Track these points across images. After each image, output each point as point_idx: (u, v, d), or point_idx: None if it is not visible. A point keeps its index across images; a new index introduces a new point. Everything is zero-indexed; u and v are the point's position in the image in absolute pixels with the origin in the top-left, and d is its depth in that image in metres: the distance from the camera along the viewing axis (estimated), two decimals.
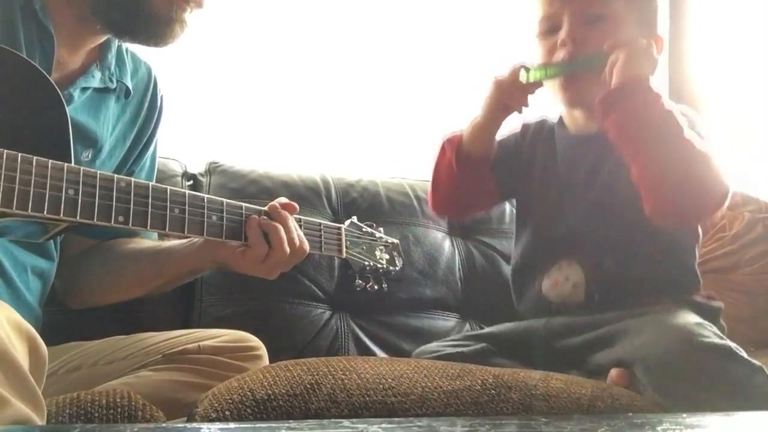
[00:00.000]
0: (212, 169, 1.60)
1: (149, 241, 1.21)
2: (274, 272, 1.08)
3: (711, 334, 1.01)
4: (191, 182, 1.57)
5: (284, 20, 1.91)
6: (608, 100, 1.12)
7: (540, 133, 1.36)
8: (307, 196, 1.56)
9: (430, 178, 1.37)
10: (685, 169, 1.08)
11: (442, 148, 1.33)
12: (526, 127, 1.39)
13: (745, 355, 0.98)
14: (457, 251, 1.68)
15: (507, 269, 1.67)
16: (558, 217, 1.26)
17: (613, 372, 1.07)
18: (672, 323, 1.05)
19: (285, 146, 1.86)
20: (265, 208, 1.09)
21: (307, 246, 1.10)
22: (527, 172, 1.34)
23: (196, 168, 1.61)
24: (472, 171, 1.29)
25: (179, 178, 1.54)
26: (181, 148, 1.56)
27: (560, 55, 1.21)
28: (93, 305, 1.21)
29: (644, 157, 1.10)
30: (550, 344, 1.20)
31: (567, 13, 1.21)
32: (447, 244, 1.67)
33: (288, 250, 1.05)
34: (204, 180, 1.58)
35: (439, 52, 2.03)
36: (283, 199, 1.12)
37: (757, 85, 2.06)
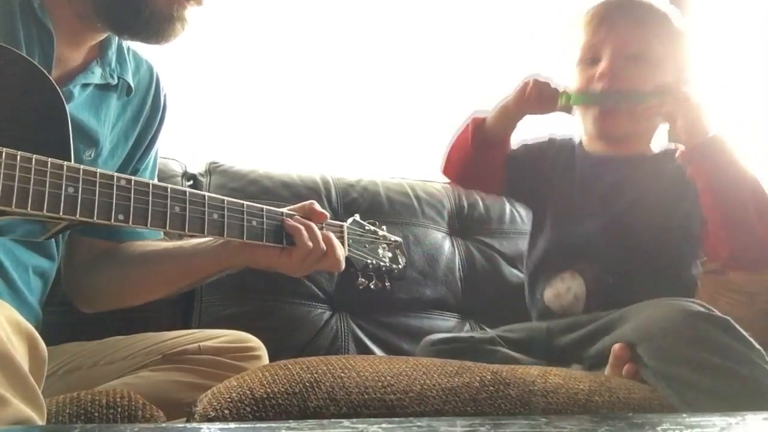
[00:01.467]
0: (212, 169, 1.60)
1: (166, 242, 1.20)
2: (311, 270, 1.11)
3: (710, 309, 1.05)
4: (191, 182, 1.57)
5: (284, 20, 1.91)
6: (689, 157, 1.19)
7: (563, 150, 1.41)
8: (307, 196, 1.56)
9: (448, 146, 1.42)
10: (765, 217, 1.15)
11: (466, 122, 1.38)
12: (552, 140, 1.43)
13: (743, 331, 1.00)
14: (457, 251, 1.68)
15: (507, 269, 1.68)
16: (570, 231, 1.30)
17: (616, 346, 1.08)
18: (671, 302, 1.09)
19: (285, 146, 1.86)
20: (286, 210, 1.10)
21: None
22: (547, 182, 1.38)
23: (196, 168, 1.61)
24: (483, 150, 1.34)
25: (179, 178, 1.54)
26: (181, 148, 1.56)
27: (598, 86, 1.26)
28: (110, 308, 1.20)
29: (727, 206, 1.17)
30: (552, 342, 1.24)
31: (609, 46, 1.26)
32: (447, 244, 1.67)
33: (323, 246, 1.07)
34: (204, 180, 1.58)
35: (438, 52, 2.03)
36: (316, 207, 1.13)
37: (757, 85, 2.06)
